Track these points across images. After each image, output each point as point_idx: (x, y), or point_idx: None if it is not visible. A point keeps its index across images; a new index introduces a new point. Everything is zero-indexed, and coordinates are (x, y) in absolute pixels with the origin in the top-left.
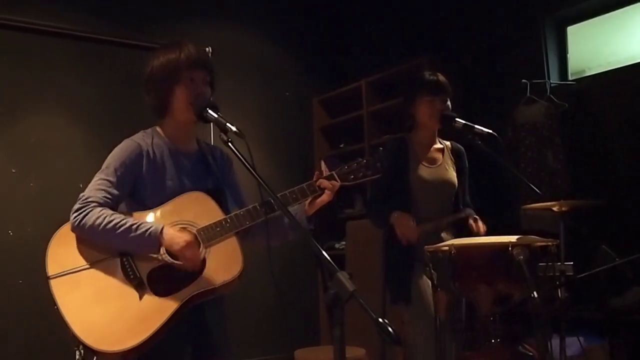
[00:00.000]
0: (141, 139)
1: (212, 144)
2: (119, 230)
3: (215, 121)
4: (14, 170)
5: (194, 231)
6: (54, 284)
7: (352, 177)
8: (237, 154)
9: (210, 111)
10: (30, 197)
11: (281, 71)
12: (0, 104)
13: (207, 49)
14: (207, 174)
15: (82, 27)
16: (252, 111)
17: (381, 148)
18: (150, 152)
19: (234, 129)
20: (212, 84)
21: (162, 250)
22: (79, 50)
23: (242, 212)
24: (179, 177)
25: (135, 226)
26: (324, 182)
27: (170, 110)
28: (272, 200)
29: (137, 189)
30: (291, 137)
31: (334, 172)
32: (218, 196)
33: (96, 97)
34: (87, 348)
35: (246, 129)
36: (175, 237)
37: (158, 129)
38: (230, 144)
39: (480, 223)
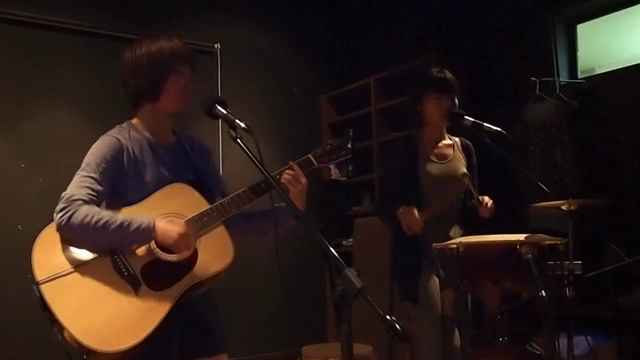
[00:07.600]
0: (119, 134)
1: (220, 140)
2: (111, 228)
3: (224, 117)
4: (23, 166)
5: (183, 222)
6: (45, 289)
7: (327, 159)
8: (246, 150)
9: (219, 107)
10: (39, 192)
11: (289, 67)
12: (10, 99)
13: (215, 45)
14: (186, 165)
15: (91, 23)
16: (260, 107)
17: (350, 130)
18: (129, 146)
19: (242, 125)
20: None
21: (152, 243)
22: (88, 45)
23: (227, 200)
24: (158, 170)
25: (126, 223)
26: (284, 176)
27: (157, 98)
28: (281, 194)
29: (117, 184)
30: (299, 133)
31: (309, 155)
32: (200, 187)
33: (105, 93)
34: (88, 350)
35: (254, 125)
36: (167, 230)
37: (134, 122)
38: (238, 140)
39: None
